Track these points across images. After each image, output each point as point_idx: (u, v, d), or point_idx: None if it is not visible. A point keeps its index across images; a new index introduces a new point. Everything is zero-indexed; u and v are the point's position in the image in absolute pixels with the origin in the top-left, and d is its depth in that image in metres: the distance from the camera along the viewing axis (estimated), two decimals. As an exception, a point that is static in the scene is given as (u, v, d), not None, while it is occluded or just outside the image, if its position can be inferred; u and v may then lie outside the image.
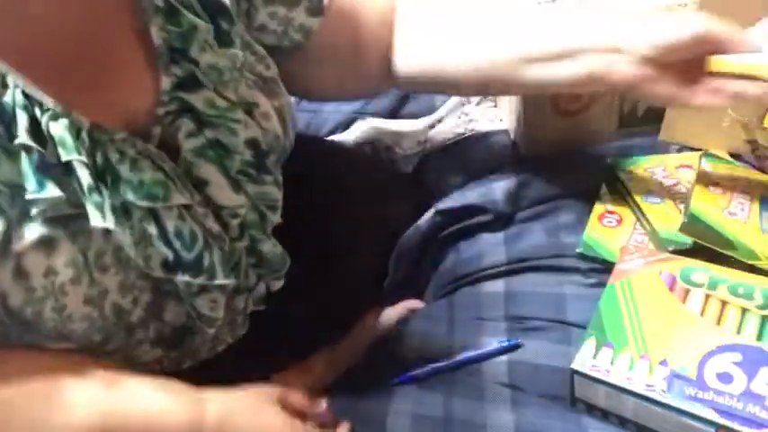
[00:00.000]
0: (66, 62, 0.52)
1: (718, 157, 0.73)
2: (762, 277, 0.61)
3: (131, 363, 0.58)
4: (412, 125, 0.97)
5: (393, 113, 0.98)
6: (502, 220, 0.79)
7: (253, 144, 0.60)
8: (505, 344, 0.66)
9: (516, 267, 0.74)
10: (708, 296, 0.60)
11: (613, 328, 0.59)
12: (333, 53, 0.71)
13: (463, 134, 0.93)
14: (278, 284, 0.68)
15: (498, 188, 0.81)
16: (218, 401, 0.58)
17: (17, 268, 0.49)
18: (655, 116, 0.83)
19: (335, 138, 0.98)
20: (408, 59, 0.75)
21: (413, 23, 0.75)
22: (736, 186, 0.68)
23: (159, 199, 0.54)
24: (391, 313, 0.80)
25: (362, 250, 0.80)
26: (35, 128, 0.49)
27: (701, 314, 0.59)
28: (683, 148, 0.81)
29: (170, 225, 0.55)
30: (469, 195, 0.82)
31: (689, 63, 0.61)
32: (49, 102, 0.50)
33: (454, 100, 0.97)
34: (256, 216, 0.62)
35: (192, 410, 0.56)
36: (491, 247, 0.77)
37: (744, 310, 0.59)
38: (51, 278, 0.50)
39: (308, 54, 0.69)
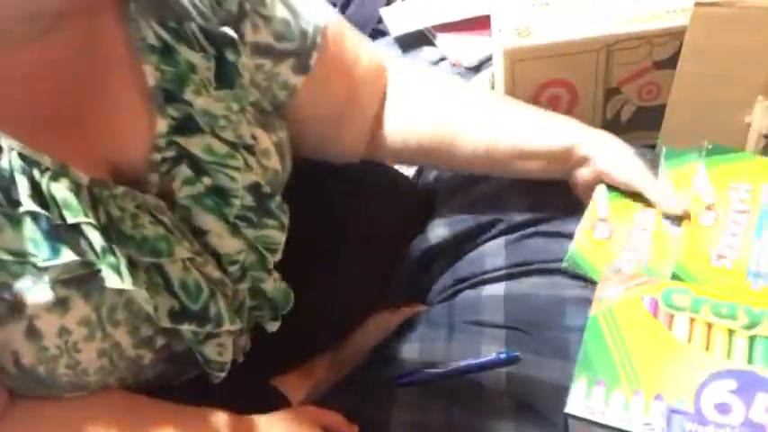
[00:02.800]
0: (58, 108, 0.51)
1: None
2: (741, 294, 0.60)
3: (137, 381, 0.58)
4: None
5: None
6: (504, 224, 0.78)
7: (254, 189, 0.59)
8: (504, 356, 0.66)
9: (516, 271, 0.74)
10: (693, 320, 0.59)
11: (602, 363, 0.57)
12: (315, 113, 0.69)
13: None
14: (274, 326, 0.66)
15: (501, 193, 0.80)
16: (261, 425, 0.59)
17: (29, 328, 0.49)
18: (640, 123, 0.81)
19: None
20: (399, 134, 0.75)
21: (408, 98, 0.75)
22: (732, 199, 0.66)
23: (164, 254, 0.54)
24: (394, 317, 0.79)
25: (365, 255, 0.79)
26: (37, 191, 0.48)
27: (689, 340, 0.57)
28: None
29: (175, 277, 0.55)
30: (473, 203, 0.81)
31: None
32: (46, 161, 0.49)
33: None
34: (256, 257, 0.61)
35: None
36: (492, 250, 0.77)
37: (730, 332, 0.57)
38: (65, 338, 0.50)
39: (288, 111, 0.67)
